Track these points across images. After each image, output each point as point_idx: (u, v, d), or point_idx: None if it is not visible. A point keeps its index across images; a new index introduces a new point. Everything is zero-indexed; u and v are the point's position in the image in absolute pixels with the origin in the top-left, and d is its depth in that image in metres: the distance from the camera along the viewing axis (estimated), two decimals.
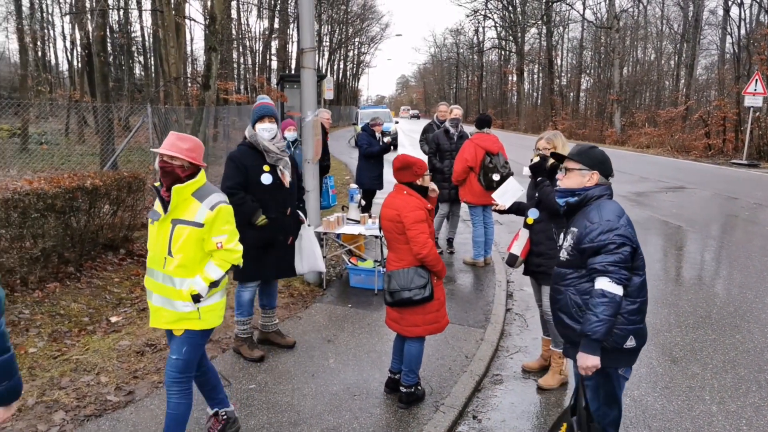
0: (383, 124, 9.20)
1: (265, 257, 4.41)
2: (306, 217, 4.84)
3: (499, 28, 58.72)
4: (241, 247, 3.12)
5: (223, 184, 4.25)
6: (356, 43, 65.12)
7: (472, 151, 6.77)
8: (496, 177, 6.68)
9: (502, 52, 60.62)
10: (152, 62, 42.90)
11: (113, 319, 6.02)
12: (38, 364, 4.52)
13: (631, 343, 2.66)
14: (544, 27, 48.93)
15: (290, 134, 6.70)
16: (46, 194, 6.41)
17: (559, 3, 46.14)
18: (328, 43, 55.80)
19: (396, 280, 3.70)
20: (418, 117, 70.20)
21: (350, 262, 6.39)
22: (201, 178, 3.06)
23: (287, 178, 4.45)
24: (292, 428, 3.60)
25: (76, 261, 6.78)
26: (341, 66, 63.54)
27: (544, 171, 4.17)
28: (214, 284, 3.04)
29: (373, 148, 8.67)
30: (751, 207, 11.71)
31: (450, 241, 7.88)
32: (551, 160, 4.11)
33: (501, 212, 4.49)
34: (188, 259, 2.99)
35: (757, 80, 18.10)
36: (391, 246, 3.82)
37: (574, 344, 2.75)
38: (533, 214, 4.23)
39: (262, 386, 4.13)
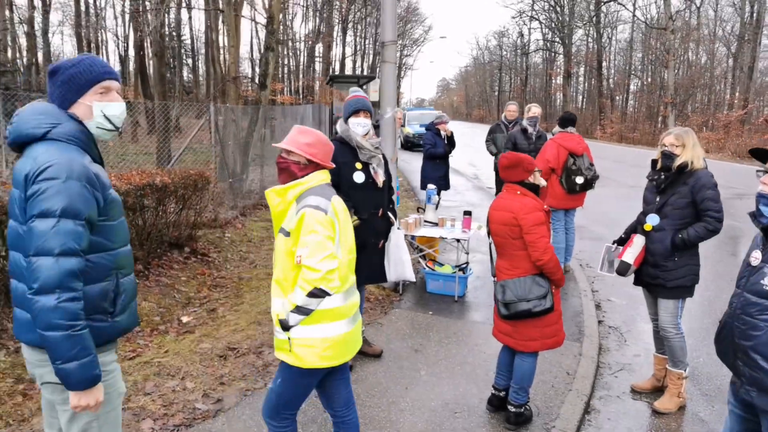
0: (448, 122, 8.87)
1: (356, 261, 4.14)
2: (396, 219, 4.56)
3: (545, 30, 57.68)
4: (326, 266, 2.38)
5: None
6: (399, 46, 64.97)
7: (554, 151, 6.37)
8: (579, 180, 6.28)
9: (548, 54, 59.53)
10: (200, 64, 43.73)
11: (184, 319, 5.87)
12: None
13: None
14: (593, 28, 47.77)
15: None
16: (118, 191, 6.33)
17: (609, 3, 44.93)
18: (372, 45, 55.83)
19: (512, 291, 3.37)
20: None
21: (427, 267, 6.08)
22: (312, 179, 2.57)
23: (380, 177, 4.17)
24: None
25: (144, 259, 6.68)
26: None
27: (671, 171, 3.76)
28: (299, 311, 2.45)
29: (437, 149, 8.34)
30: None
31: None
32: (681, 160, 3.70)
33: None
34: (283, 274, 2.56)
35: None
36: (504, 252, 3.49)
37: (763, 390, 2.29)
38: (653, 220, 3.84)
39: (356, 399, 3.85)
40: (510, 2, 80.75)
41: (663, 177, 3.80)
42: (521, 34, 70.19)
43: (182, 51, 38.67)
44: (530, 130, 7.15)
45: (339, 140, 4.06)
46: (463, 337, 4.87)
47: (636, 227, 4.04)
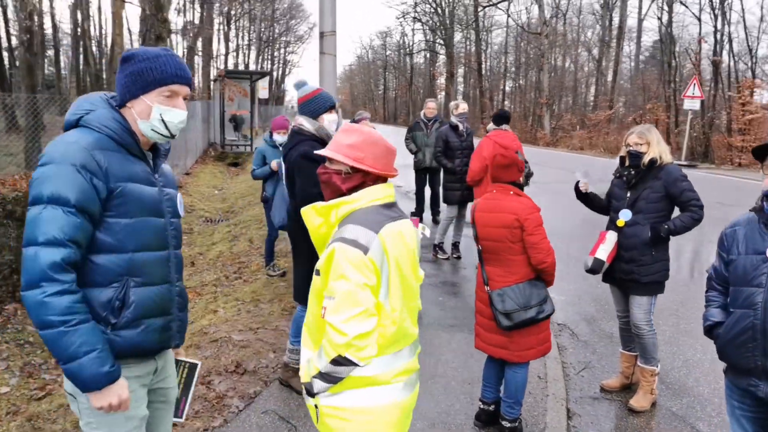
0: (368, 118, 8.59)
1: None
2: None
3: (427, 31, 59.30)
4: (354, 329, 1.77)
5: (306, 191, 3.51)
6: (283, 42, 63.63)
7: (490, 149, 6.30)
8: None
9: (430, 55, 61.27)
10: (65, 58, 39.86)
11: None
12: (33, 412, 3.59)
13: None
14: (473, 32, 49.85)
15: (280, 137, 6.00)
16: (5, 199, 5.36)
17: (486, 8, 47.07)
18: (256, 41, 54.22)
19: (512, 299, 3.15)
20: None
21: None
22: (363, 197, 1.93)
23: None
24: None
25: None
26: (268, 65, 61.81)
27: (640, 167, 3.75)
28: (324, 378, 1.86)
29: None
30: (716, 206, 12.06)
31: (456, 246, 7.39)
32: (649, 157, 3.70)
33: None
34: (313, 321, 1.99)
35: (695, 84, 18.97)
36: (500, 258, 3.25)
37: None
38: (625, 216, 3.81)
39: None
40: (394, 3, 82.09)
41: (633, 173, 3.79)
42: (404, 34, 71.75)
43: (43, 42, 34.91)
44: (461, 127, 7.05)
45: (313, 139, 3.62)
46: (425, 349, 4.61)
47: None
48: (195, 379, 2.23)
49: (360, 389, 1.90)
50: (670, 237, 3.79)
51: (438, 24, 55.25)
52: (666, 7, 28.07)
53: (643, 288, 3.82)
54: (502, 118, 6.52)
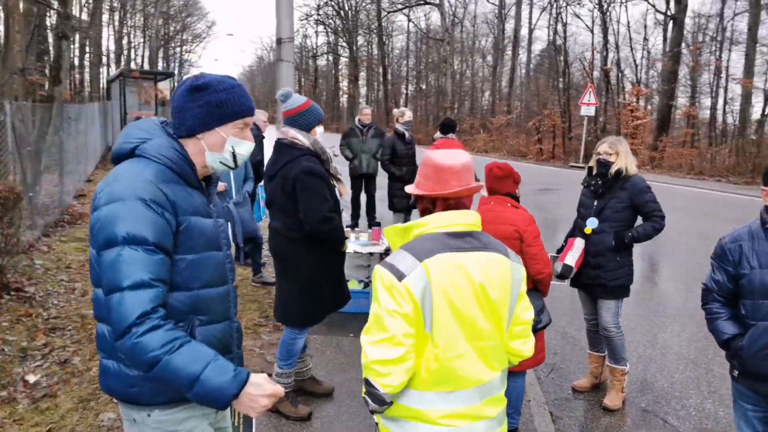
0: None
1: (326, 290, 3.59)
2: None
3: (331, 34, 59.25)
4: (375, 353, 1.75)
5: (318, 207, 3.36)
6: (180, 41, 60.90)
7: None
8: None
9: (334, 58, 61.28)
10: None
11: (31, 379, 4.62)
12: None
13: None
14: (377, 36, 50.50)
15: None
16: None
17: (390, 14, 47.91)
18: (154, 39, 51.46)
19: None
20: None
21: None
22: (432, 221, 1.88)
23: (345, 191, 3.70)
24: None
25: None
26: (164, 65, 58.92)
27: (608, 177, 3.96)
28: (371, 395, 1.80)
29: None
30: None
31: None
32: (617, 167, 3.91)
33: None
34: None
35: (590, 92, 20.41)
36: None
37: None
38: (592, 224, 4.01)
39: None
40: (297, 4, 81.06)
41: (600, 183, 3.98)
42: (306, 36, 71.10)
43: None
44: (407, 135, 7.10)
45: (313, 154, 3.47)
46: None
47: (573, 231, 4.20)
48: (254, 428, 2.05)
49: (411, 421, 1.84)
50: (633, 244, 4.03)
51: (341, 27, 55.38)
52: (561, 19, 29.96)
53: (610, 292, 4.03)
54: (448, 127, 6.63)
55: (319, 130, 3.60)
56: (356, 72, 53.29)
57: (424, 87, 54.03)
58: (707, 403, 4.16)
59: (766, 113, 21.86)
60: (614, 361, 4.13)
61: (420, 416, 1.82)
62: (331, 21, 57.13)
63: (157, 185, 1.62)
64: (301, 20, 54.92)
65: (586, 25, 28.31)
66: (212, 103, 1.73)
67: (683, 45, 25.89)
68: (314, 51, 62.61)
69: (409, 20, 51.13)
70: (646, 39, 27.88)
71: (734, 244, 2.57)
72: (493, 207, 3.35)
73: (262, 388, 1.62)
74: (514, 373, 3.37)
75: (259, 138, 7.31)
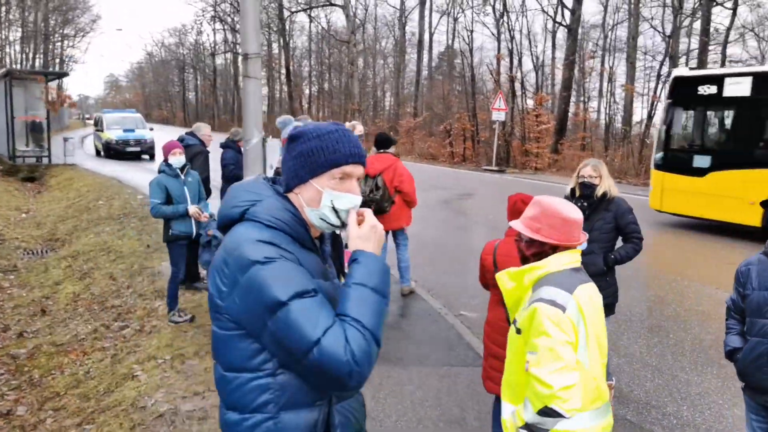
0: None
1: None
2: None
3: (228, 31, 57.26)
4: (558, 382, 1.92)
5: None
6: (59, 36, 56.19)
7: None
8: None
9: (234, 56, 59.35)
10: None
11: None
12: None
13: None
14: (279, 36, 49.50)
15: (176, 159, 5.43)
16: None
17: (294, 14, 47.19)
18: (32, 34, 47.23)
19: None
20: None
21: None
22: (551, 262, 2.13)
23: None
24: None
25: None
26: (41, 61, 54.09)
27: (591, 200, 4.09)
28: (528, 429, 2.01)
29: (241, 171, 7.47)
30: None
31: None
32: (602, 190, 4.05)
33: None
34: (512, 375, 2.13)
35: (500, 98, 21.27)
36: None
37: None
38: (581, 246, 4.12)
39: None
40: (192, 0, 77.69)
41: (586, 204, 4.10)
42: (200, 32, 68.38)
43: None
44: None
45: None
46: (399, 384, 4.47)
47: None
48: None
49: None
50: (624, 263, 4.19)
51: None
52: (465, 26, 30.93)
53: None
54: (383, 142, 6.23)
55: None
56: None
57: (326, 87, 53.80)
58: (684, 411, 4.41)
59: (652, 115, 23.81)
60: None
61: None
62: (229, 18, 55.24)
63: (278, 247, 1.47)
64: (198, 17, 52.80)
65: (491, 32, 29.45)
66: (303, 153, 1.58)
67: (577, 53, 27.68)
68: (212, 48, 60.33)
69: (311, 20, 50.67)
70: (554, 47, 29.48)
71: (745, 268, 2.88)
72: (508, 240, 3.34)
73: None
74: None
75: (204, 153, 6.87)
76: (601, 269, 4.07)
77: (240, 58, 4.80)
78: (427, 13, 39.93)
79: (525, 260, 2.23)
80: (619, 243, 4.26)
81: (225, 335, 1.48)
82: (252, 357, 1.45)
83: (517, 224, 2.23)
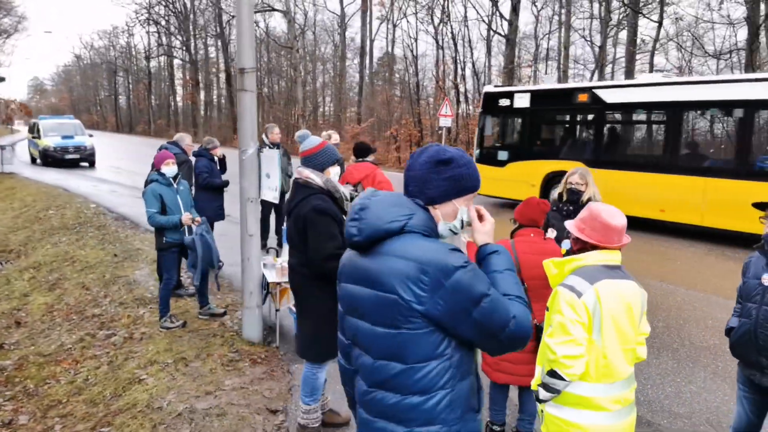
0: (219, 147, 8.22)
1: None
2: None
3: (164, 35, 55.83)
4: (562, 351, 2.42)
5: (323, 245, 3.40)
6: None
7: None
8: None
9: (170, 60, 57.89)
10: None
11: None
12: None
13: None
14: (219, 40, 48.79)
15: (169, 169, 5.61)
16: None
17: (234, 17, 46.58)
18: None
19: None
20: None
21: (294, 310, 5.63)
22: (588, 258, 2.55)
23: None
24: None
25: None
26: None
27: (577, 204, 4.58)
28: (545, 387, 2.52)
29: (215, 179, 7.64)
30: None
31: None
32: (588, 195, 4.55)
33: None
34: (542, 346, 2.59)
35: (447, 104, 21.95)
36: (542, 294, 3.67)
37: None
38: (566, 245, 4.59)
39: None
40: (125, 1, 75.01)
41: (572, 209, 4.60)
42: (131, 34, 66.13)
43: None
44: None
45: (326, 193, 3.55)
46: None
47: None
48: None
49: (581, 409, 2.50)
50: None
51: (178, 29, 52.52)
52: (411, 35, 31.59)
53: None
54: (362, 151, 6.49)
55: (334, 170, 3.69)
56: (197, 76, 50.95)
57: (266, 91, 53.33)
58: (648, 389, 4.98)
59: None
60: None
61: (587, 403, 2.48)
62: (164, 20, 53.89)
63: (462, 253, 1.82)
64: (133, 19, 51.19)
65: (435, 40, 30.26)
66: (455, 178, 1.87)
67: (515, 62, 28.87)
68: (147, 51, 58.58)
69: (257, 24, 50.16)
70: (490, 55, 30.52)
71: (748, 260, 3.35)
72: (533, 239, 3.72)
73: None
74: (526, 388, 3.81)
75: (188, 163, 6.99)
76: None
77: (236, 73, 5.01)
78: (368, 19, 40.40)
79: (571, 253, 2.68)
80: None
81: (415, 334, 1.74)
82: (437, 346, 1.75)
83: (570, 224, 2.69)
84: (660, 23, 24.39)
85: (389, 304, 1.74)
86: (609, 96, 11.96)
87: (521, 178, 13.16)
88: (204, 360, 4.95)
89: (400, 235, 1.79)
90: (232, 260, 6.77)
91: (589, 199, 4.56)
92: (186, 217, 5.53)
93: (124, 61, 66.25)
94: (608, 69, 28.81)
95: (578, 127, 13.25)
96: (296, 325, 3.82)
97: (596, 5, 28.62)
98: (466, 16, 29.95)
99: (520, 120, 13.87)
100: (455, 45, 27.23)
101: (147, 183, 5.63)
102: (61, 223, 11.67)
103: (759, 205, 3.66)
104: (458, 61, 27.53)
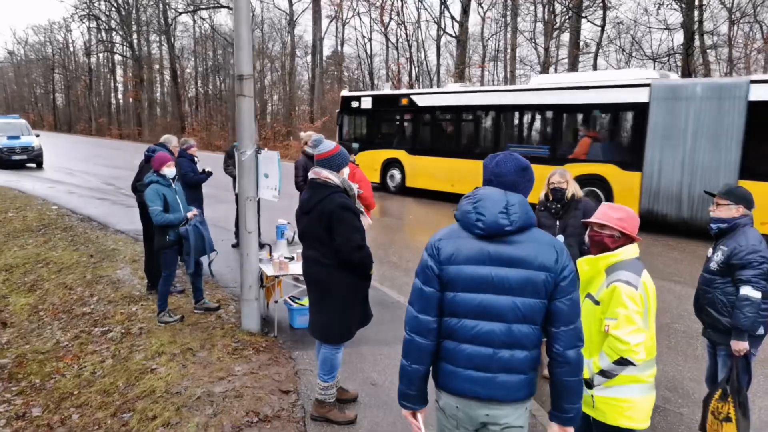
0: (195, 146, 8.47)
1: (357, 309, 4.12)
2: None
3: (104, 31, 54.12)
4: (634, 339, 2.66)
5: (353, 237, 3.83)
6: None
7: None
8: None
9: (112, 57, 56.16)
10: None
11: None
12: None
13: (761, 331, 3.86)
14: (164, 36, 47.76)
15: (170, 170, 5.91)
16: None
17: (180, 15, 45.81)
18: None
19: None
20: None
21: (290, 302, 5.99)
22: (624, 252, 2.84)
23: (368, 221, 4.27)
24: None
25: None
26: None
27: (563, 202, 5.08)
28: (602, 374, 2.76)
29: (199, 176, 8.06)
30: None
31: None
32: (571, 192, 5.07)
33: None
34: (587, 338, 2.77)
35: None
36: None
37: (718, 331, 3.83)
38: (559, 240, 5.14)
39: None
40: None
41: (559, 206, 5.09)
42: (69, 30, 63.73)
43: None
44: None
45: (343, 192, 3.96)
46: (393, 360, 5.22)
47: None
48: None
49: (628, 385, 2.80)
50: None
51: (121, 25, 51.03)
52: (365, 33, 31.93)
53: None
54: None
55: (346, 170, 4.11)
56: (141, 74, 49.68)
57: (211, 90, 52.56)
58: None
59: None
60: None
61: (635, 379, 2.79)
62: (104, 15, 52.24)
63: None
64: (73, 15, 49.36)
65: (390, 41, 30.78)
66: (532, 180, 2.44)
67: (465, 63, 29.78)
68: (87, 48, 56.61)
69: (194, 21, 49.39)
70: (439, 55, 31.24)
71: None
72: None
73: None
74: None
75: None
76: (577, 257, 5.09)
77: (234, 79, 5.32)
78: (320, 17, 40.48)
79: (605, 249, 2.90)
80: None
81: (544, 306, 2.29)
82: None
83: (604, 221, 2.91)
84: (602, 27, 25.70)
85: (540, 279, 2.26)
86: (420, 100, 16.01)
87: (368, 164, 16.40)
88: (209, 350, 5.25)
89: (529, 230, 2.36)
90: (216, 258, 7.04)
91: (572, 196, 5.07)
92: (191, 213, 5.83)
93: (61, 57, 63.76)
94: (553, 70, 30.10)
95: (403, 123, 16.91)
96: (309, 313, 4.20)
97: (540, 8, 29.89)
98: (419, 18, 30.59)
99: (365, 118, 17.61)
100: (409, 45, 27.81)
101: (145, 185, 5.84)
102: (24, 226, 11.51)
103: (709, 193, 4.25)
104: (413, 62, 28.14)
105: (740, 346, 3.72)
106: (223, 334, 5.59)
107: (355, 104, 17.67)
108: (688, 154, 10.93)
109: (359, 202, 4.24)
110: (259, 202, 8.83)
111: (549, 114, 13.26)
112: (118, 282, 7.59)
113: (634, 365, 2.71)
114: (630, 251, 2.88)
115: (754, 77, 10.40)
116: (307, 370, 4.95)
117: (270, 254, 6.09)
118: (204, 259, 6.15)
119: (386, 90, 18.90)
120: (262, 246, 6.73)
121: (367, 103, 17.33)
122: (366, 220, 4.29)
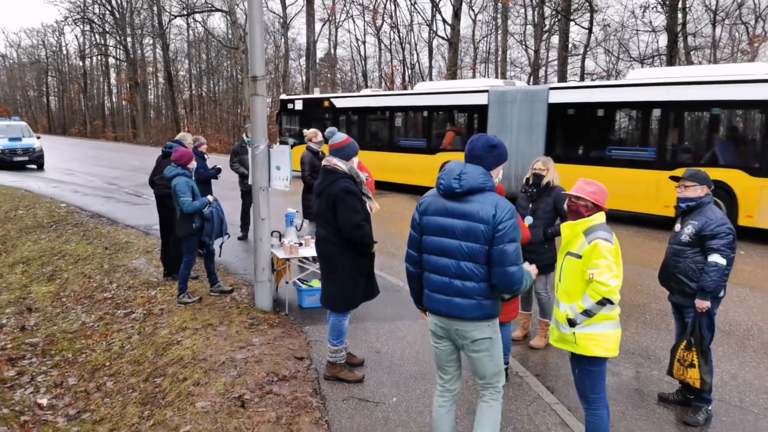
0: (204, 143, 9.01)
1: (362, 282, 4.66)
2: None
3: (99, 35, 54.35)
4: (614, 283, 3.26)
5: (352, 218, 4.36)
6: None
7: None
8: None
9: (106, 60, 56.43)
10: None
11: (43, 402, 4.89)
12: None
13: (722, 294, 4.45)
14: (160, 39, 48.11)
15: (193, 165, 6.48)
16: None
17: (175, 17, 46.18)
18: None
19: None
20: None
21: (299, 283, 6.52)
22: (597, 218, 3.43)
23: (375, 206, 4.81)
24: None
25: None
26: None
27: (539, 187, 5.65)
28: (585, 313, 3.34)
29: (209, 172, 8.63)
30: None
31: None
32: (546, 180, 5.64)
33: None
34: (569, 287, 3.47)
35: None
36: None
37: (686, 295, 4.39)
38: (528, 221, 5.69)
39: (402, 397, 4.47)
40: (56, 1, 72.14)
41: (534, 191, 5.68)
42: (62, 33, 63.88)
43: None
44: (321, 152, 8.16)
45: (350, 178, 4.51)
46: (393, 333, 5.76)
47: None
48: None
49: (603, 323, 3.42)
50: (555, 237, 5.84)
51: (115, 28, 51.32)
52: (359, 36, 32.48)
53: (542, 269, 5.72)
54: None
55: (355, 160, 4.67)
56: (136, 77, 50.00)
57: (206, 92, 53.05)
58: None
59: None
60: (543, 316, 5.87)
61: (609, 317, 3.40)
62: (98, 18, 52.48)
63: None
64: (67, 18, 49.65)
65: (383, 43, 31.36)
66: (501, 155, 3.18)
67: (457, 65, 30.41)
68: (81, 51, 56.85)
69: (188, 25, 49.81)
70: (431, 57, 31.90)
71: None
72: None
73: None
74: (503, 324, 4.88)
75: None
76: (541, 239, 5.63)
77: (249, 80, 5.85)
78: (313, 20, 41.01)
79: (579, 216, 3.47)
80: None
81: (485, 250, 3.03)
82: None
83: (579, 193, 3.46)
84: (590, 29, 26.37)
85: (481, 229, 2.98)
86: (338, 103, 18.77)
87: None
88: (228, 325, 5.78)
89: (486, 192, 3.07)
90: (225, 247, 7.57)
91: (548, 183, 5.64)
92: (211, 197, 6.54)
93: (55, 60, 63.95)
94: (543, 72, 30.79)
95: (327, 123, 18.36)
96: (321, 284, 4.74)
97: (530, 11, 30.59)
98: (411, 21, 31.18)
99: (298, 117, 20.03)
100: (402, 48, 28.40)
101: (168, 178, 6.37)
102: (35, 222, 11.97)
103: (674, 178, 4.80)
104: (406, 64, 28.73)
105: (703, 304, 4.28)
106: (239, 312, 6.12)
107: (290, 106, 20.20)
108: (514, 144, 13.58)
109: (367, 189, 4.78)
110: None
111: (425, 113, 16.61)
112: (135, 270, 8.09)
113: (613, 303, 3.35)
114: (600, 217, 3.49)
115: (552, 85, 13.45)
116: (317, 341, 5.49)
117: (280, 240, 6.63)
118: (216, 243, 6.76)
119: (315, 94, 20.98)
120: (272, 233, 7.25)
121: (299, 105, 19.96)
122: (374, 205, 4.83)
